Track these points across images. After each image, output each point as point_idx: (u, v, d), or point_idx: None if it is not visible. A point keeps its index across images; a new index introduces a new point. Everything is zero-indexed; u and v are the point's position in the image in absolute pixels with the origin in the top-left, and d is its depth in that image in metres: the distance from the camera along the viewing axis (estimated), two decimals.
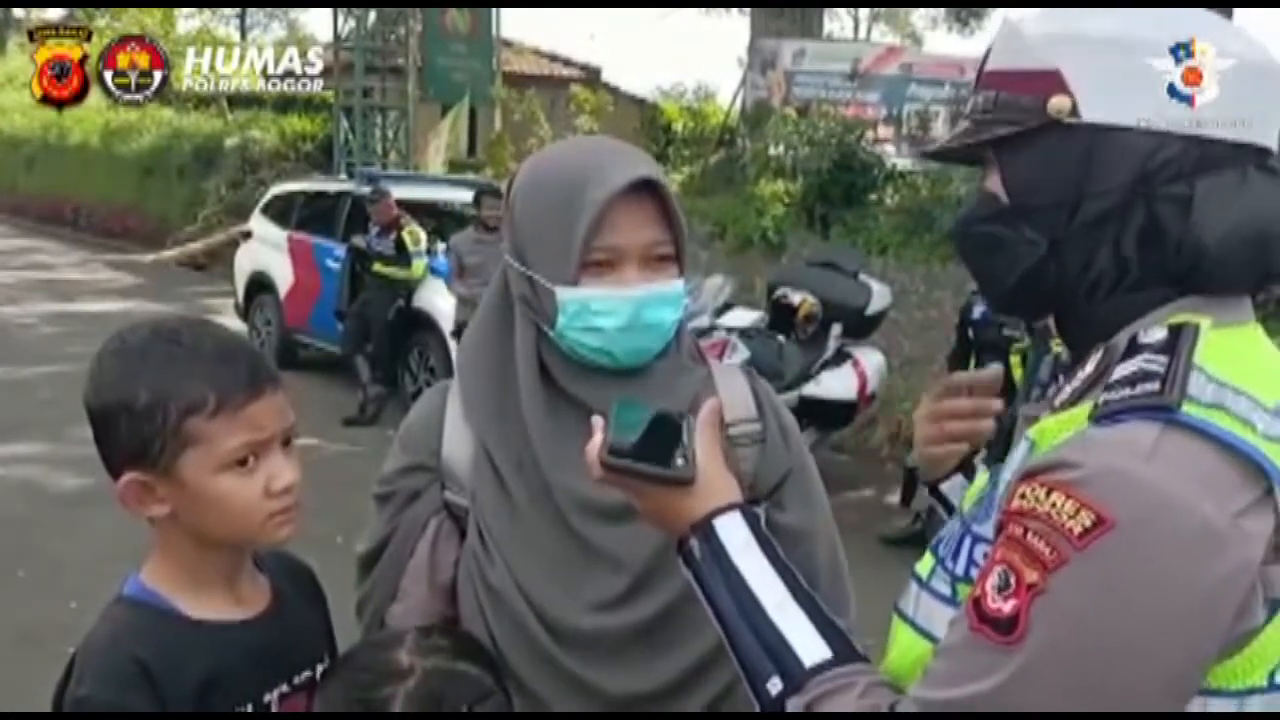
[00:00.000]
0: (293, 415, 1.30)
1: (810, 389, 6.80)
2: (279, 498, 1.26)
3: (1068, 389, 1.02)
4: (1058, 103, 0.99)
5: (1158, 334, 0.97)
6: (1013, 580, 0.89)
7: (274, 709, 1.31)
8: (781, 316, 7.13)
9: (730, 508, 1.11)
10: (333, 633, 1.47)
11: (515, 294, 1.44)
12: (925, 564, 1.10)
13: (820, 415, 6.79)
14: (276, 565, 1.41)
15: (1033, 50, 1.02)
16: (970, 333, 6.72)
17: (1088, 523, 0.86)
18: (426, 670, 1.24)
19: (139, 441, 1.21)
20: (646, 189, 1.38)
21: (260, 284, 10.89)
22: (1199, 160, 0.97)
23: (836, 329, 7.03)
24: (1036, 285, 1.07)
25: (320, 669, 1.38)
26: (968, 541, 1.05)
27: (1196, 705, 0.90)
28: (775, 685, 1.01)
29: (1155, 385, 0.92)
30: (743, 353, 6.70)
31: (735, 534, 1.09)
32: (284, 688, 1.32)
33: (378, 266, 8.94)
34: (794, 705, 1.00)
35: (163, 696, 1.21)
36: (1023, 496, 0.92)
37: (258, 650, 1.30)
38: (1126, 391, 0.93)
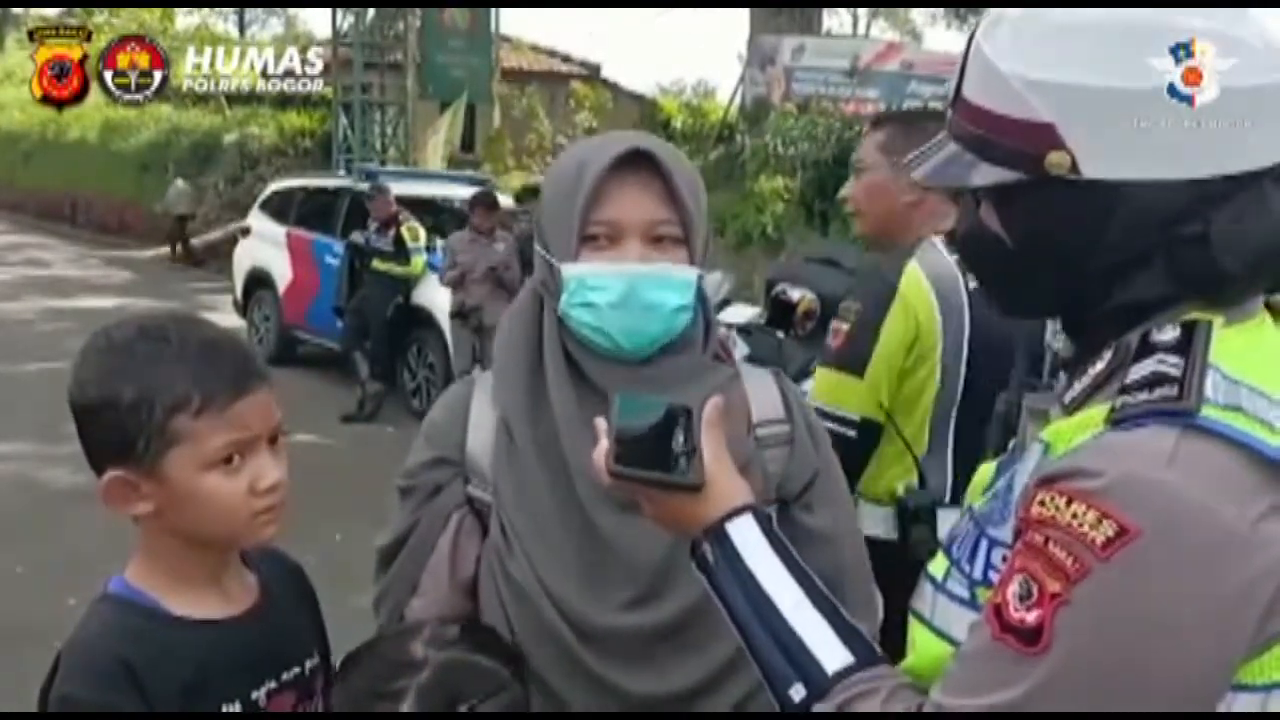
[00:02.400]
0: (279, 414, 1.29)
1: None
2: (264, 496, 1.25)
3: (1077, 386, 1.01)
4: (1056, 159, 0.95)
5: (1171, 332, 0.96)
6: (1035, 590, 0.89)
7: (262, 705, 1.30)
8: (780, 313, 7.09)
9: (742, 510, 1.10)
10: (324, 629, 1.46)
11: (539, 280, 1.46)
12: (939, 565, 1.09)
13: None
14: (265, 562, 1.40)
15: (1017, 96, 0.96)
16: None
17: (1110, 533, 0.85)
18: (440, 663, 1.23)
19: (123, 439, 1.20)
20: (648, 167, 1.38)
21: (259, 280, 10.89)
22: (1209, 196, 0.93)
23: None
24: (1045, 308, 1.10)
25: (310, 665, 1.37)
26: (984, 545, 1.04)
27: (1222, 702, 0.90)
28: (799, 692, 1.01)
29: (1172, 390, 0.90)
30: (742, 349, 6.68)
31: (748, 537, 1.08)
32: (272, 684, 1.31)
33: (376, 263, 8.94)
34: (819, 711, 0.99)
35: (147, 694, 1.20)
36: (1042, 504, 0.90)
37: (244, 647, 1.29)
38: (1143, 396, 0.91)
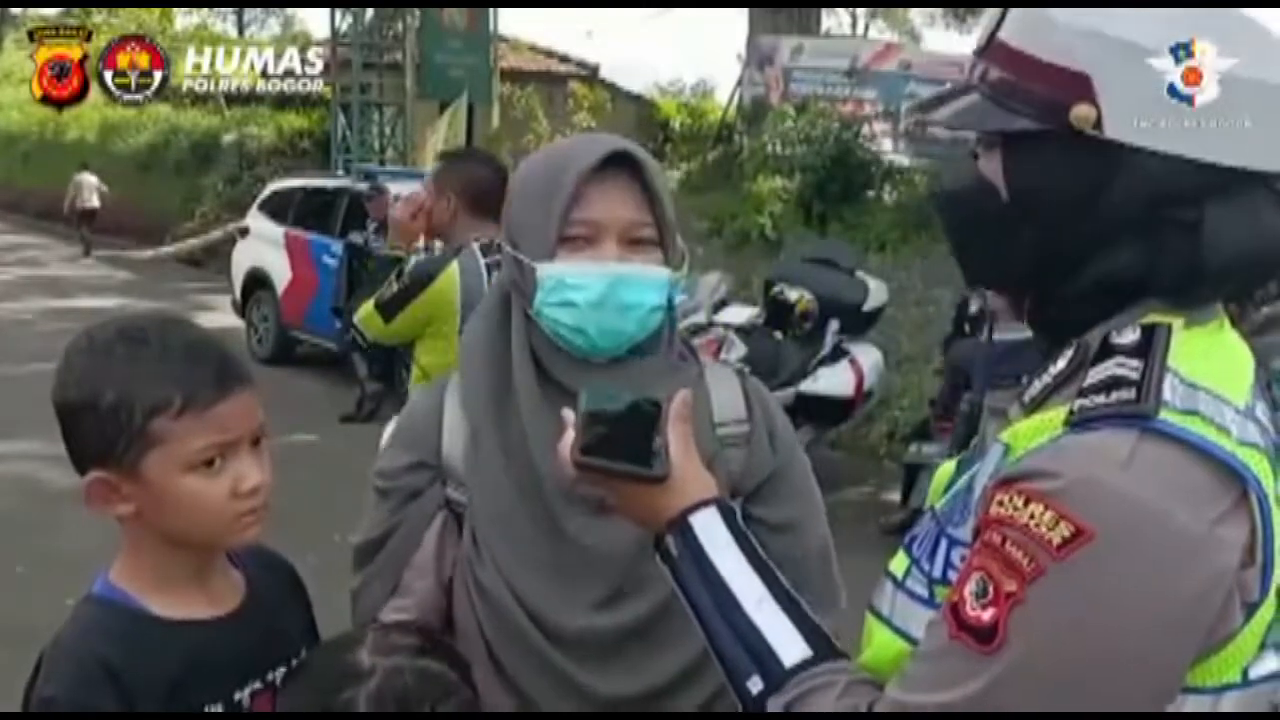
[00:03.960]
0: (262, 415, 1.29)
1: (807, 386, 6.80)
2: (246, 499, 1.25)
3: (1037, 385, 1.02)
4: (1083, 112, 0.94)
5: (1131, 335, 0.97)
6: (991, 589, 0.89)
7: (246, 706, 1.30)
8: (778, 313, 7.13)
9: (706, 504, 1.10)
10: (315, 628, 1.46)
11: (508, 281, 1.45)
12: (900, 563, 1.10)
13: (817, 412, 6.79)
14: (253, 561, 1.40)
15: (1061, 42, 0.96)
16: (967, 327, 6.74)
17: (1066, 534, 0.86)
18: (387, 670, 1.22)
19: (104, 441, 1.20)
20: (627, 170, 1.39)
21: (258, 280, 10.88)
22: (1210, 185, 0.94)
23: (834, 326, 7.03)
24: (1018, 276, 1.08)
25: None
26: (944, 544, 1.04)
27: (1172, 704, 0.90)
28: (756, 684, 1.01)
29: (1130, 393, 0.91)
30: (740, 349, 6.71)
31: (712, 531, 1.09)
32: (256, 685, 1.31)
33: (375, 263, 8.92)
34: (775, 704, 1.00)
35: (129, 695, 1.20)
36: (1000, 504, 0.91)
37: (228, 648, 1.29)
38: (1101, 399, 0.92)
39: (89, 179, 18.99)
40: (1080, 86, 0.95)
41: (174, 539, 1.26)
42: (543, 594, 1.37)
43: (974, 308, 6.67)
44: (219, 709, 1.28)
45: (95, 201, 18.95)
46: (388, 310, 3.42)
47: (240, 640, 1.31)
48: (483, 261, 3.28)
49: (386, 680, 1.21)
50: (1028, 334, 1.12)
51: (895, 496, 6.77)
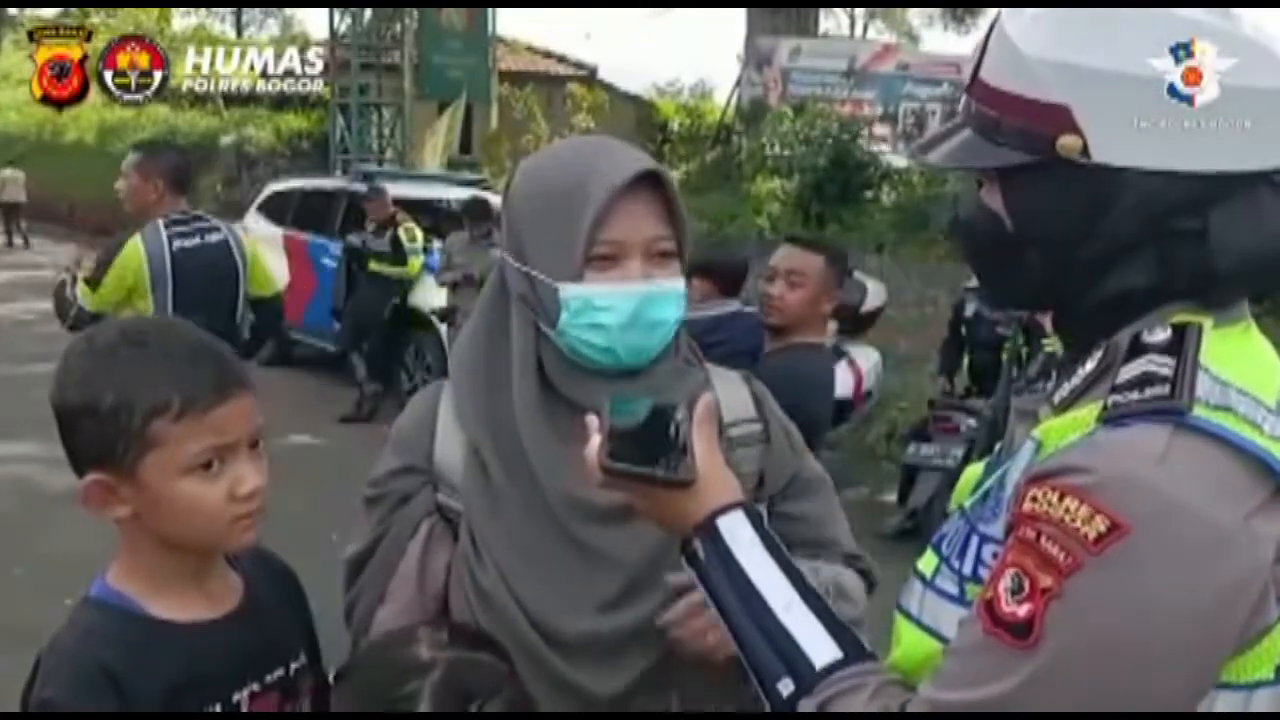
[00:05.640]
0: (260, 418, 1.29)
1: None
2: (243, 502, 1.25)
3: (1067, 386, 1.02)
4: (1069, 142, 0.96)
5: (1161, 334, 0.97)
6: (1026, 584, 0.90)
7: (244, 708, 1.30)
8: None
9: (733, 506, 1.10)
10: (313, 630, 1.46)
11: (515, 293, 1.42)
12: (928, 562, 1.10)
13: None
14: (251, 563, 1.39)
15: (1036, 77, 0.97)
16: (964, 329, 6.76)
17: (1102, 528, 0.86)
18: (449, 661, 1.22)
19: (103, 443, 1.20)
20: (649, 184, 1.37)
21: None
22: (1211, 192, 0.95)
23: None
24: (1038, 295, 1.11)
25: (295, 667, 1.37)
26: (975, 541, 1.04)
27: (1204, 701, 0.91)
28: (787, 686, 1.01)
29: (1164, 389, 0.92)
30: None
31: (740, 534, 1.09)
32: (255, 686, 1.31)
33: (373, 264, 8.92)
34: (806, 706, 1.00)
35: (127, 698, 1.20)
36: (1034, 499, 0.91)
37: (227, 649, 1.29)
38: (1135, 395, 0.93)
39: (14, 175, 20.89)
40: (1061, 117, 0.96)
41: (171, 542, 1.26)
42: (546, 599, 1.36)
43: (970, 310, 6.69)
44: (217, 710, 1.27)
45: (19, 196, 20.84)
46: (94, 280, 4.12)
47: (238, 641, 1.31)
48: (164, 233, 4.20)
49: (449, 672, 1.21)
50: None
51: (893, 497, 6.78)
